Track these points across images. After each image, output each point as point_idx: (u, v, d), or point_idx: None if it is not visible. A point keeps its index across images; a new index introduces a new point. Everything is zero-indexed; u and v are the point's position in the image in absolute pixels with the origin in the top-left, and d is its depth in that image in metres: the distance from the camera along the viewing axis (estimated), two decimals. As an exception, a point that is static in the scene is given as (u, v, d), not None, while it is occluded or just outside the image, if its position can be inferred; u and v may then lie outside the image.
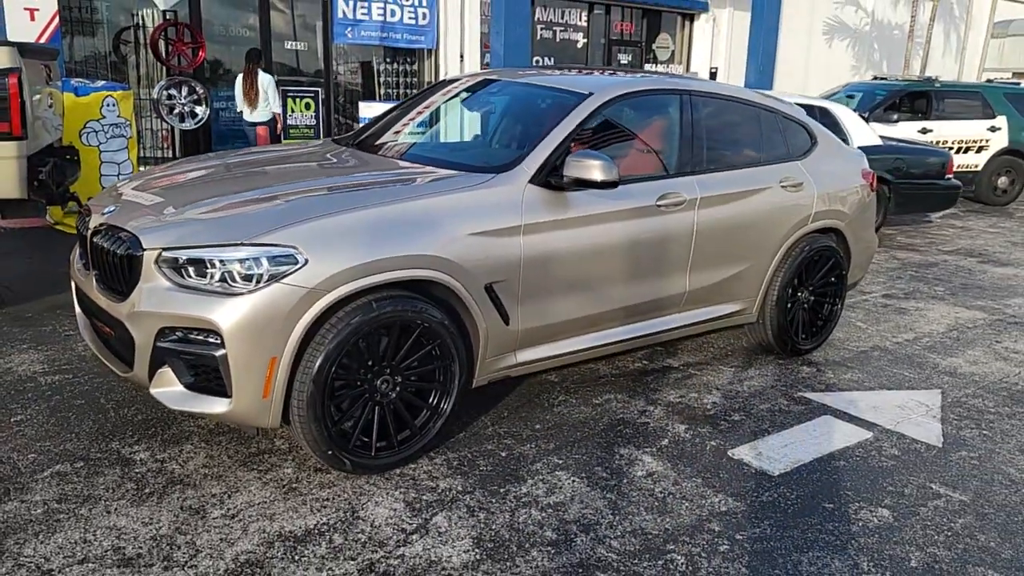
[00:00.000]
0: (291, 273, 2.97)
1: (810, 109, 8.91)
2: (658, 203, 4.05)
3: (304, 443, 3.18)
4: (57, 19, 9.04)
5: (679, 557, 2.89)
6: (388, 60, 13.59)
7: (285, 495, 3.17)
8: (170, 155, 11.52)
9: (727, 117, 4.60)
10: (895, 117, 12.14)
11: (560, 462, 3.55)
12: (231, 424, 3.47)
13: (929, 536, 3.10)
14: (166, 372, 3.08)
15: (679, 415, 4.09)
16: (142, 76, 11.61)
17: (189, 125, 10.84)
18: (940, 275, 7.56)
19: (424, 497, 3.21)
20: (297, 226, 3.04)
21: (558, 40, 15.63)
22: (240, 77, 10.26)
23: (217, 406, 3.03)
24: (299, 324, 2.99)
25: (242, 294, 2.94)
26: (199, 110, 10.89)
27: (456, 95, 4.83)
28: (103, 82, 7.87)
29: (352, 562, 2.77)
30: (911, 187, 9.45)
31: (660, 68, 17.70)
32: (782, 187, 4.64)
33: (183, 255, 3.01)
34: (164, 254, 3.04)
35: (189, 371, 3.06)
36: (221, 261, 2.97)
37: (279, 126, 10.51)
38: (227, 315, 2.92)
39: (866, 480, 3.51)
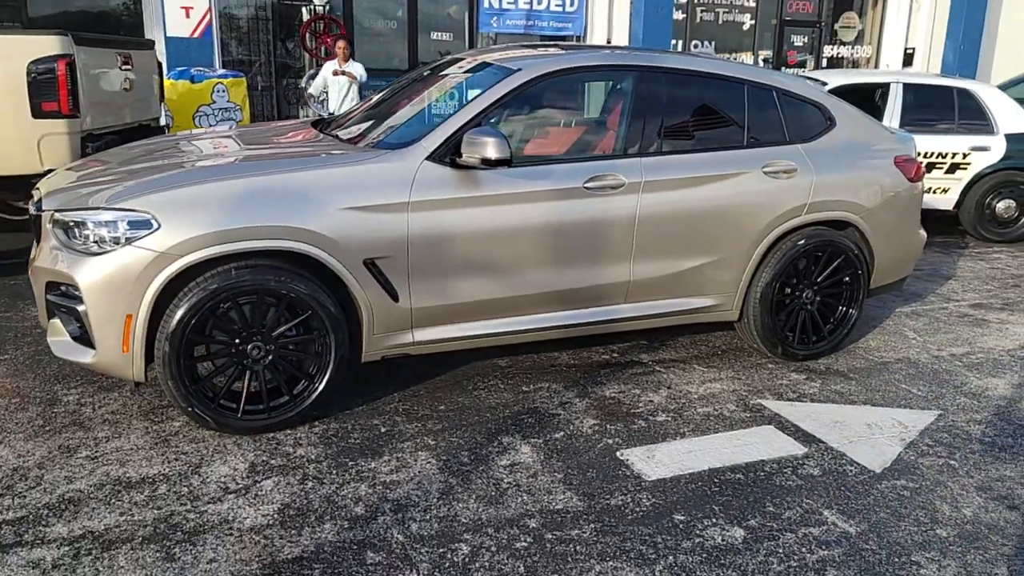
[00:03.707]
0: (144, 237, 3.19)
1: (946, 90, 7.95)
2: (586, 185, 3.83)
3: (169, 398, 3.41)
4: (209, 15, 10.04)
5: (465, 548, 2.78)
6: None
7: (154, 445, 3.41)
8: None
9: (697, 96, 4.23)
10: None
11: (432, 443, 3.50)
12: (105, 375, 3.76)
13: (764, 563, 2.73)
14: (56, 323, 3.42)
15: (600, 410, 3.87)
16: (305, 67, 12.60)
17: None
18: (1074, 285, 6.43)
19: (272, 461, 3.31)
20: (154, 194, 3.25)
21: (721, 22, 14.90)
22: None
23: (86, 356, 3.33)
24: (152, 285, 3.20)
25: (100, 254, 3.20)
26: (342, 97, 11.65)
27: (445, 75, 4.82)
28: (223, 71, 8.67)
29: (155, 511, 2.94)
30: (1079, 183, 8.08)
31: (844, 50, 16.32)
32: (765, 173, 4.20)
33: (69, 218, 3.33)
34: (56, 216, 3.37)
35: (74, 323, 3.37)
36: (94, 224, 3.25)
37: None
38: (86, 273, 3.20)
39: (750, 498, 3.14)
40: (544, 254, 3.83)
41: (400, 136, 3.86)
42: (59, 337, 3.43)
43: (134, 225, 3.21)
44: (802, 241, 4.32)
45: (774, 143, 4.32)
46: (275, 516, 2.93)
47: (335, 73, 9.66)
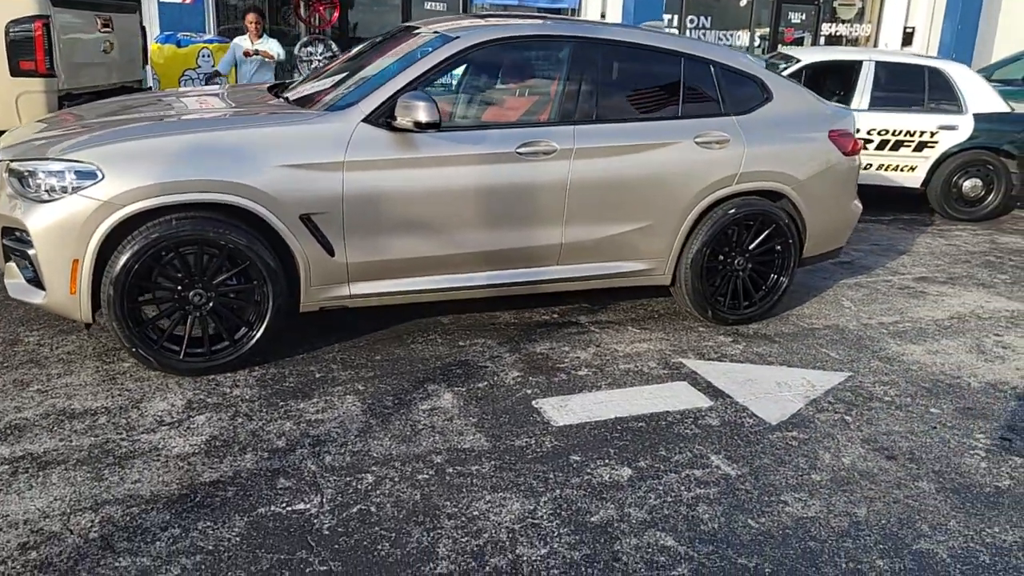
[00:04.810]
0: (89, 187, 3.42)
1: (917, 69, 8.05)
2: (519, 150, 4.03)
3: (115, 340, 3.66)
4: (201, -19, 10.20)
5: (370, 477, 3.03)
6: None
7: (102, 382, 3.67)
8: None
9: (633, 67, 4.41)
10: (1081, 85, 10.44)
11: (361, 388, 3.75)
12: (56, 315, 3.99)
13: (642, 498, 2.97)
14: (12, 266, 3.67)
15: (527, 364, 4.10)
16: (300, 35, 12.76)
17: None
18: (1025, 263, 6.59)
19: (208, 400, 3.57)
20: (99, 147, 3.49)
21: (718, -2, 14.93)
22: None
23: (37, 297, 3.58)
24: (97, 232, 3.44)
25: (49, 202, 3.44)
26: (333, 65, 11.83)
27: (397, 43, 4.99)
28: (210, 36, 8.85)
29: (92, 438, 3.20)
30: (1044, 163, 8.19)
31: (843, 29, 16.30)
32: (697, 143, 4.39)
33: (23, 167, 3.56)
34: (11, 165, 3.61)
35: (27, 266, 3.62)
36: (44, 173, 3.49)
37: None
38: (35, 219, 3.45)
39: (646, 443, 3.38)
40: (477, 215, 4.04)
41: (344, 100, 4.05)
42: (14, 279, 3.68)
43: (80, 175, 3.44)
44: (733, 210, 4.52)
45: (709, 115, 4.49)
46: (201, 446, 3.19)
47: (246, 54, 8.26)
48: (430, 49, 4.05)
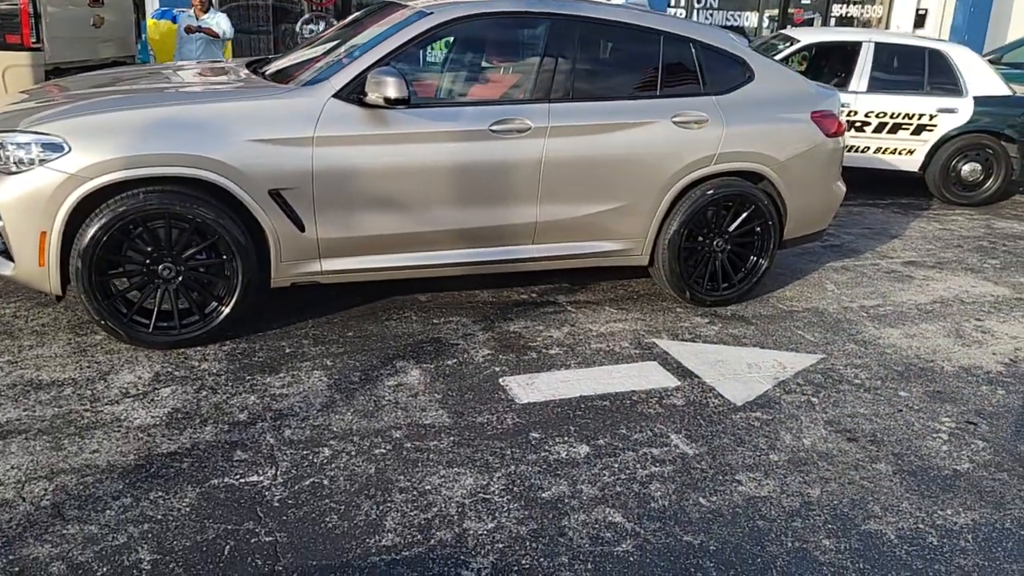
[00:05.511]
0: (56, 159, 3.44)
1: (917, 51, 7.95)
2: (492, 128, 4.02)
3: (84, 312, 3.68)
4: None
5: (327, 451, 3.05)
6: None
7: (72, 354, 3.71)
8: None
9: (611, 45, 4.38)
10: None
11: (329, 364, 3.76)
12: (27, 286, 3.98)
13: (596, 475, 2.98)
14: (-20, 238, 3.70)
15: (498, 342, 4.10)
16: (304, 10, 12.75)
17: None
18: (1018, 249, 6.51)
19: (176, 373, 3.59)
20: (66, 119, 3.50)
21: (725, -21, 14.75)
22: None
23: (6, 269, 3.61)
24: (64, 205, 3.46)
25: (17, 174, 3.46)
26: (335, 43, 11.78)
27: (377, 19, 4.96)
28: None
29: (56, 409, 3.23)
30: (1045, 148, 8.08)
31: (853, 9, 16.09)
32: (675, 123, 4.35)
33: (-10, 139, 3.58)
34: (-22, 138, 3.63)
35: (-2, 239, 3.65)
36: (12, 145, 3.50)
37: None
38: (2, 191, 3.47)
39: (607, 421, 3.38)
40: (450, 193, 4.04)
41: (317, 75, 4.04)
42: (-19, 252, 3.71)
43: (47, 147, 3.46)
44: (711, 191, 4.49)
45: (688, 94, 4.45)
46: (163, 418, 3.22)
47: (188, 30, 7.71)
48: (407, 24, 4.02)
